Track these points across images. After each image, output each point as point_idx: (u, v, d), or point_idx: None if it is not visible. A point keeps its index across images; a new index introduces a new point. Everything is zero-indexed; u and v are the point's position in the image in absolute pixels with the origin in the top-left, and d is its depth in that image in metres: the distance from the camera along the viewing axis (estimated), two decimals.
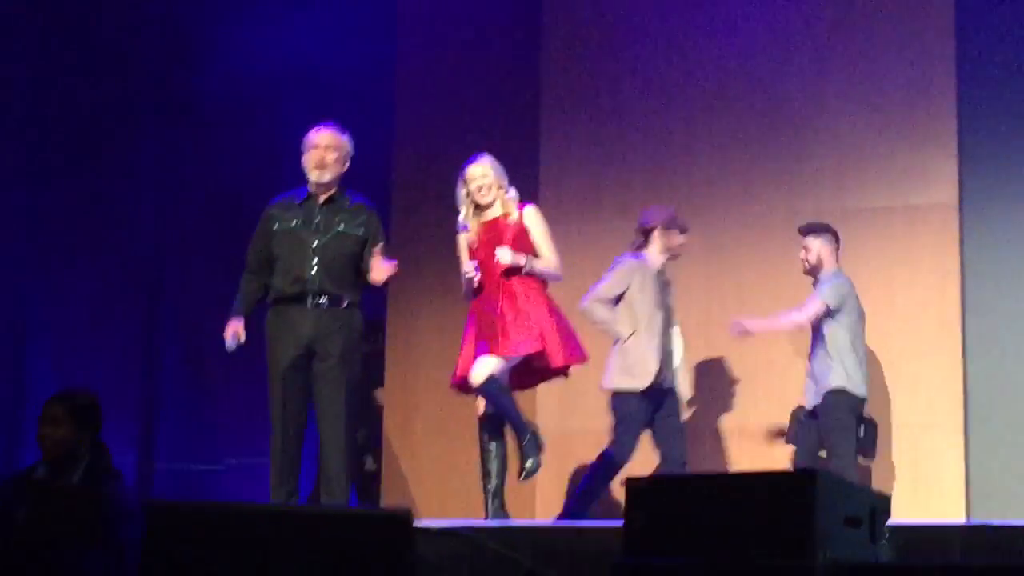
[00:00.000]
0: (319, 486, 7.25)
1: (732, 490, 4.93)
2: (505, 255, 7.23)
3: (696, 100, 9.39)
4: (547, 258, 7.43)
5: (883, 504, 5.06)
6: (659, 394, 7.92)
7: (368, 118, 9.86)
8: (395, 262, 7.09)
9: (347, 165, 7.28)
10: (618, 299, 7.98)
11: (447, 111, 9.81)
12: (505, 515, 7.30)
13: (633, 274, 7.98)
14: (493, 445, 7.33)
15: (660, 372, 7.88)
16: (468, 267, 7.31)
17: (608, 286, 7.99)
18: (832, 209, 8.79)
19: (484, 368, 7.21)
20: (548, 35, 9.73)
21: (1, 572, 5.39)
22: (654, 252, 8.08)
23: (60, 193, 10.06)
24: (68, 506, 5.46)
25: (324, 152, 7.18)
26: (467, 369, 7.29)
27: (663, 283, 8.07)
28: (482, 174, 7.39)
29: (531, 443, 7.20)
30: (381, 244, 7.12)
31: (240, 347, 7.13)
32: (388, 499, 9.38)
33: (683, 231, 8.15)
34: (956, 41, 8.89)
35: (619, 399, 7.92)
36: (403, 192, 9.79)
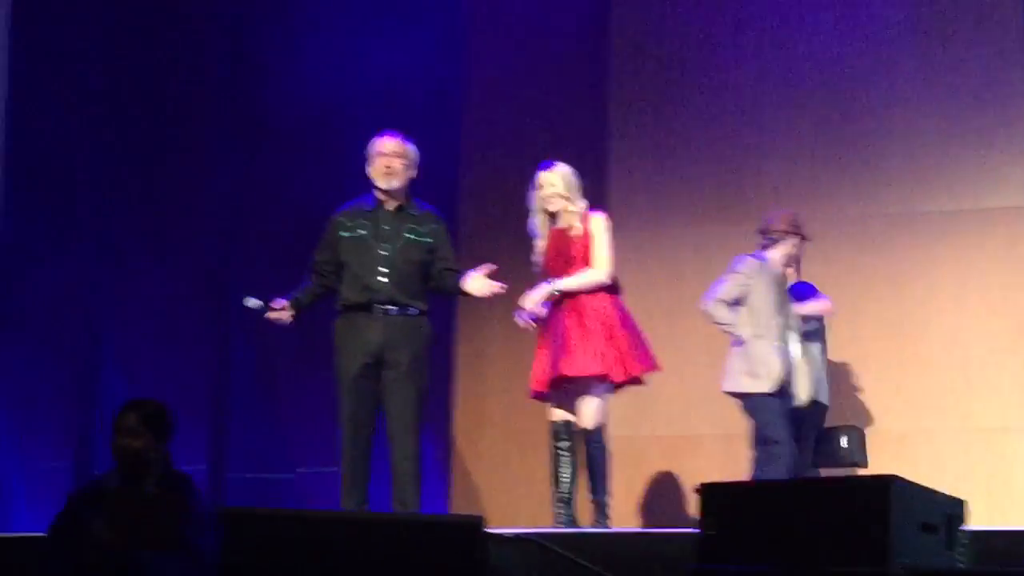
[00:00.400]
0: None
1: (806, 496, 4.91)
2: (529, 303, 7.24)
3: (765, 106, 9.35)
4: (596, 267, 7.32)
5: (959, 510, 5.02)
6: (785, 398, 7.80)
7: (436, 126, 9.89)
8: (504, 286, 7.13)
9: (414, 172, 7.30)
10: (738, 301, 7.90)
11: (515, 121, 9.81)
12: (574, 523, 7.27)
13: (755, 275, 7.85)
14: (565, 452, 7.30)
15: (785, 375, 7.75)
16: (520, 321, 7.31)
17: (729, 287, 7.86)
18: (902, 212, 8.74)
19: (594, 412, 7.23)
20: (616, 42, 9.71)
21: None
22: (777, 256, 7.95)
23: (130, 202, 10.13)
24: (146, 514, 5.50)
25: (391, 159, 7.21)
26: (542, 382, 7.27)
27: (782, 286, 7.96)
28: (550, 182, 7.37)
29: (602, 515, 7.23)
30: (494, 267, 7.13)
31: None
32: (458, 507, 9.39)
33: (806, 240, 8.03)
34: None
35: (753, 401, 7.77)
36: (471, 201, 9.80)
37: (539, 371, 7.31)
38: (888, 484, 4.69)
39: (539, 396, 7.41)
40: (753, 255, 7.96)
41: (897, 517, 4.61)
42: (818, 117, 9.23)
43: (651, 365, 7.36)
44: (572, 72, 9.84)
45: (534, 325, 7.32)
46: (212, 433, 10.09)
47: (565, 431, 7.27)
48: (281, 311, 7.22)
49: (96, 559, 5.50)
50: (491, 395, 9.56)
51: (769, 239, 7.97)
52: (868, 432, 8.39)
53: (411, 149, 7.31)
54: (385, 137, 7.27)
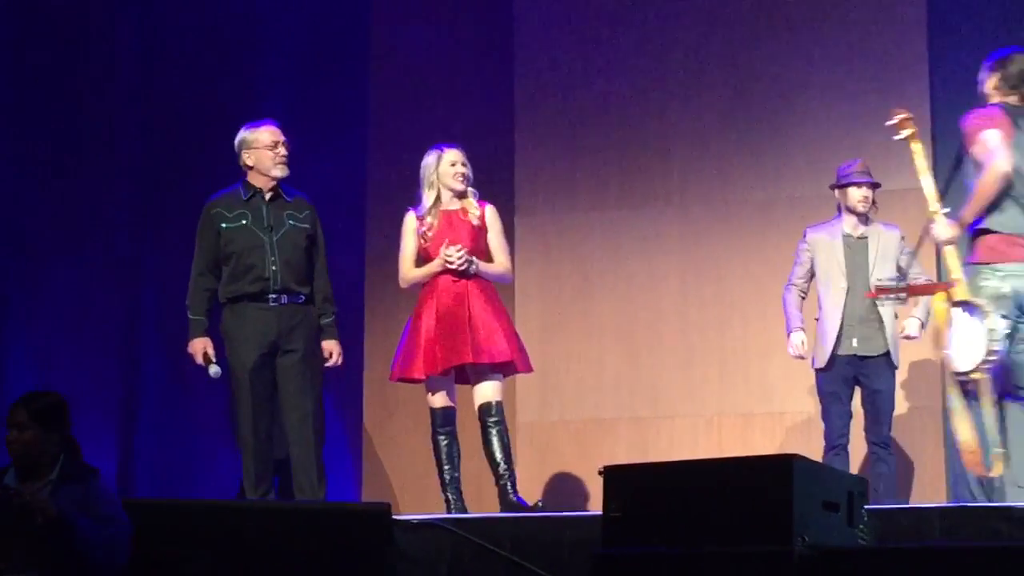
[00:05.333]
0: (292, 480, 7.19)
1: (709, 476, 4.95)
2: (476, 265, 7.24)
3: (670, 90, 9.38)
4: (500, 261, 7.40)
5: (861, 488, 5.08)
6: (851, 366, 7.65)
7: (342, 120, 9.88)
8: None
9: None
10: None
11: (421, 108, 9.79)
12: (462, 506, 7.27)
13: (811, 248, 7.79)
14: (445, 438, 7.31)
15: (841, 343, 7.58)
16: (452, 251, 7.26)
17: (795, 268, 7.85)
18: (809, 196, 8.79)
19: (498, 390, 7.27)
20: (521, 27, 9.71)
21: None
22: (844, 214, 7.82)
23: (38, 190, 10.03)
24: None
25: (285, 148, 7.18)
26: (432, 365, 7.20)
27: (852, 244, 7.72)
28: (463, 161, 7.37)
29: (514, 491, 7.20)
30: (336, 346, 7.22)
31: (216, 347, 7.12)
32: (368, 494, 9.39)
33: (859, 185, 7.74)
34: (928, 23, 8.92)
35: (816, 378, 7.75)
36: (378, 188, 9.78)
37: (425, 356, 7.22)
38: (790, 462, 4.74)
39: (414, 380, 7.37)
40: (817, 224, 7.89)
41: (799, 495, 4.66)
42: (722, 102, 9.27)
43: (530, 367, 7.44)
44: (476, 57, 9.84)
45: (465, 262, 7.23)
46: (122, 423, 10.03)
47: (450, 417, 7.29)
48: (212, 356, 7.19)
49: None
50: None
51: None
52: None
53: None
54: (272, 126, 7.23)
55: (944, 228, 6.52)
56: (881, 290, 7.06)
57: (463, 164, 7.35)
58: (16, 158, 9.98)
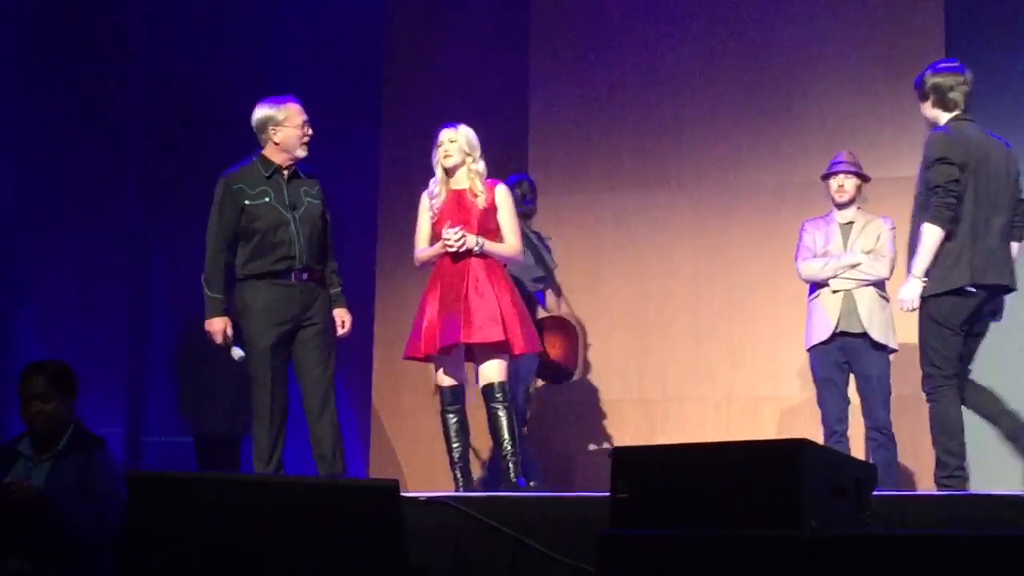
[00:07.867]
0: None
1: (718, 460, 4.93)
2: (472, 241, 7.23)
3: (685, 73, 9.39)
4: (509, 242, 7.41)
5: (869, 474, 5.07)
6: (842, 351, 7.75)
7: (355, 95, 9.87)
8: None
9: None
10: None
11: (435, 86, 9.80)
12: (470, 483, 7.29)
13: (810, 232, 7.93)
14: (453, 416, 7.32)
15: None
16: (451, 234, 7.24)
17: (800, 247, 7.93)
18: (819, 181, 8.78)
19: (502, 370, 7.28)
20: (537, 8, 9.71)
21: None
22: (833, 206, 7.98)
23: (47, 163, 10.03)
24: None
25: (309, 128, 7.15)
26: (431, 344, 7.25)
27: (842, 231, 7.92)
28: (451, 138, 7.37)
29: (517, 472, 7.22)
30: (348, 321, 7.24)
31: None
32: (376, 471, 9.40)
33: (835, 175, 7.95)
34: (945, 9, 8.90)
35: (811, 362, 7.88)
36: (391, 165, 9.79)
37: (429, 334, 7.26)
38: (799, 447, 4.73)
39: (418, 358, 7.41)
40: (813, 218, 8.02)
41: (808, 480, 4.64)
42: (736, 86, 9.28)
43: (537, 346, 7.48)
44: (492, 37, 9.84)
45: (457, 247, 7.25)
46: (130, 397, 10.03)
47: (458, 396, 7.32)
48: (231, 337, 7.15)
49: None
50: None
51: None
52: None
53: None
54: (298, 104, 7.18)
55: None
56: None
57: (450, 142, 7.36)
58: (22, 131, 9.98)
